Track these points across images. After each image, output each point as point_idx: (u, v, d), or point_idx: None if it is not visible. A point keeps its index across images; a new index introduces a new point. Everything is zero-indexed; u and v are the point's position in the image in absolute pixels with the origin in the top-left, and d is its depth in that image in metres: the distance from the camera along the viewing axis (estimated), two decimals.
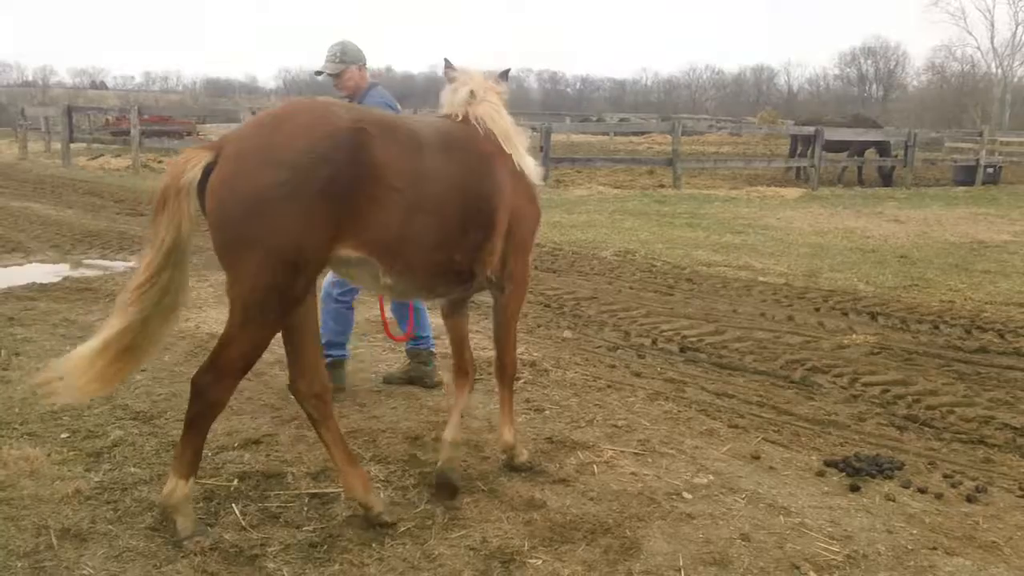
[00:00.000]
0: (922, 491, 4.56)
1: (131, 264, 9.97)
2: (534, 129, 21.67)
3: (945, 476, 4.77)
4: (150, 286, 3.48)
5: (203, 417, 3.63)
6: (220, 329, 6.98)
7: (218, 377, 3.58)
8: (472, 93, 4.43)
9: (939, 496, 4.51)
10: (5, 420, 5.12)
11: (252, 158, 3.41)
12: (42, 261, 10.43)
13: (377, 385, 6.04)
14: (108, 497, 4.21)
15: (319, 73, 5.80)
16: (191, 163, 3.43)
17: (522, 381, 6.16)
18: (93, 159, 25.76)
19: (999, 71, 57.35)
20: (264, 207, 3.34)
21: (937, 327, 8.02)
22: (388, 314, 6.04)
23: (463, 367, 4.65)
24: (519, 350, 6.82)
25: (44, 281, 9.03)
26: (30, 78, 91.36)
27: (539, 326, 7.81)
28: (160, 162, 25.26)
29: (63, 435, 4.96)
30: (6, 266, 10.11)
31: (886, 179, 24.14)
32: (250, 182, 3.36)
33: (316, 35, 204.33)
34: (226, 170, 3.40)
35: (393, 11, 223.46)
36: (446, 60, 4.72)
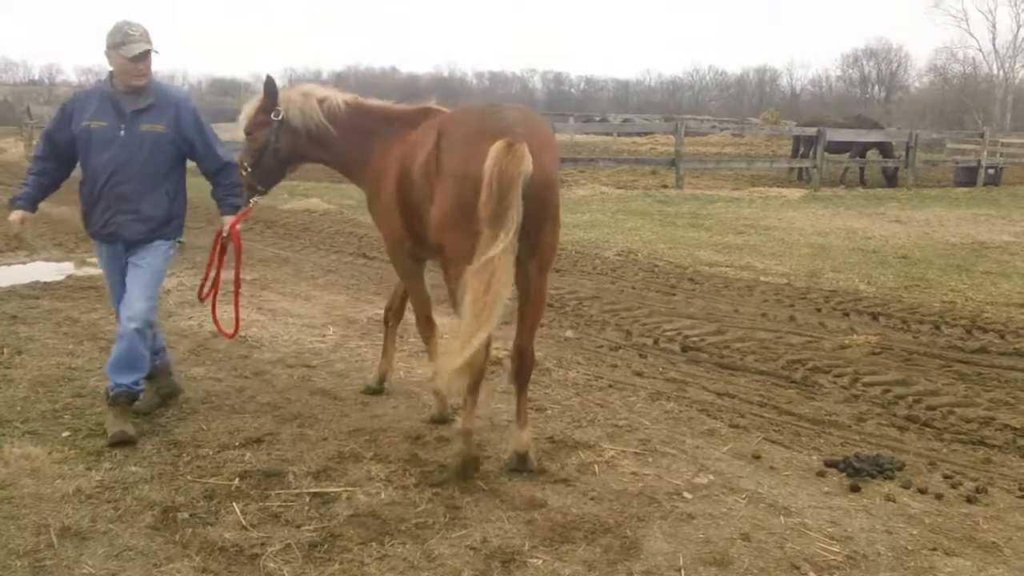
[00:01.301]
0: (922, 491, 4.56)
1: None
2: None
3: (945, 476, 4.76)
4: (511, 259, 4.11)
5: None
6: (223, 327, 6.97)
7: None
8: (344, 100, 5.44)
9: (939, 496, 4.51)
10: (7, 418, 5.14)
11: (552, 152, 4.53)
12: (46, 259, 10.46)
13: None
14: (109, 496, 4.23)
15: (147, 52, 4.91)
16: (527, 156, 4.14)
17: None
18: None
19: (1000, 73, 57.33)
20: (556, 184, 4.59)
21: (938, 327, 8.01)
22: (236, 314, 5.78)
23: None
24: None
25: (47, 279, 9.06)
26: (36, 77, 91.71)
27: (541, 326, 7.78)
28: None
29: (64, 434, 4.97)
30: (9, 264, 10.14)
31: (890, 180, 24.11)
32: (555, 168, 4.55)
33: (321, 35, 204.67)
34: (548, 159, 4.41)
35: (395, 12, 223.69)
36: (268, 76, 5.47)
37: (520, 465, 4.67)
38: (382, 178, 5.26)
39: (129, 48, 4.86)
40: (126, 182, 4.96)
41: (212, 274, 5.45)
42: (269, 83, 5.45)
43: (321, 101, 5.44)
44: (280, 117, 5.39)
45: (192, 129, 5.10)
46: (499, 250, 4.04)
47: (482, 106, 4.94)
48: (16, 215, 5.00)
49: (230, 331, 5.65)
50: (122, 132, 4.94)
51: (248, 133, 5.50)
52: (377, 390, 5.85)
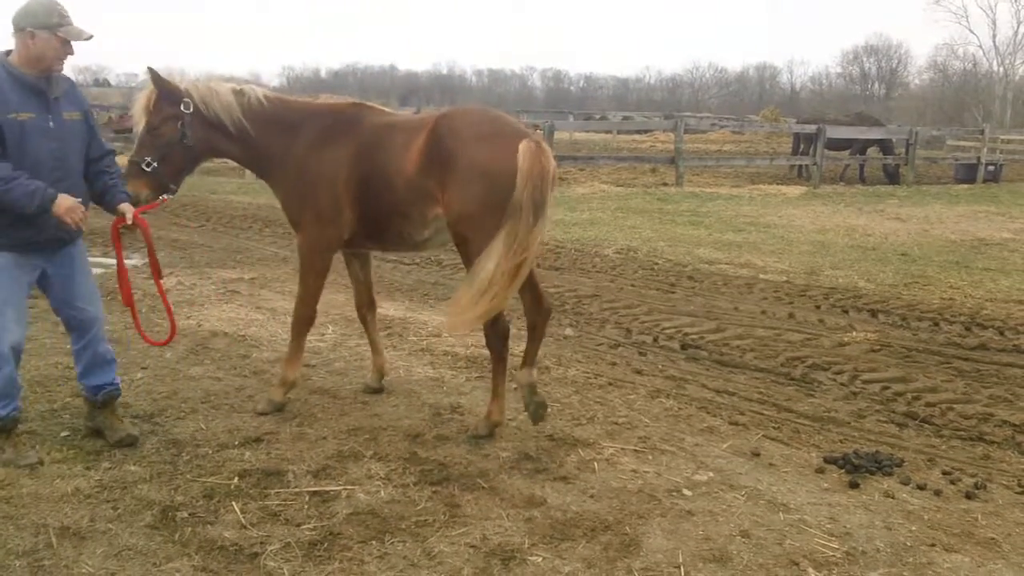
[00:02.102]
0: (921, 488, 4.57)
1: (133, 262, 9.96)
2: (537, 127, 21.70)
3: (944, 473, 4.77)
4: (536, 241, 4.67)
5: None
6: (222, 327, 6.99)
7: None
8: (264, 94, 5.41)
9: (938, 493, 4.52)
10: None
11: None
12: None
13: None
14: (108, 496, 4.23)
15: (89, 38, 4.62)
16: (551, 154, 4.79)
17: None
18: None
19: (1001, 69, 57.28)
20: None
21: (937, 324, 8.01)
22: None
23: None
24: (522, 347, 6.82)
25: None
26: None
27: None
28: None
29: (63, 433, 4.97)
30: None
31: (892, 177, 24.08)
32: None
33: (318, 32, 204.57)
34: None
35: (395, 10, 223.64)
36: (149, 68, 5.18)
37: (533, 397, 5.10)
38: (320, 176, 5.18)
39: (71, 31, 4.47)
40: (65, 178, 4.52)
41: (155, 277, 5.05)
42: (155, 76, 5.13)
43: (238, 94, 5.29)
44: (191, 110, 5.14)
45: (89, 115, 4.79)
46: (538, 235, 4.66)
47: (479, 109, 5.22)
48: (70, 201, 4.42)
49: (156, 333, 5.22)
50: (51, 123, 4.49)
51: (153, 128, 5.09)
52: (378, 388, 5.85)
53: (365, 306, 5.91)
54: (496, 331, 4.94)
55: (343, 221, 5.21)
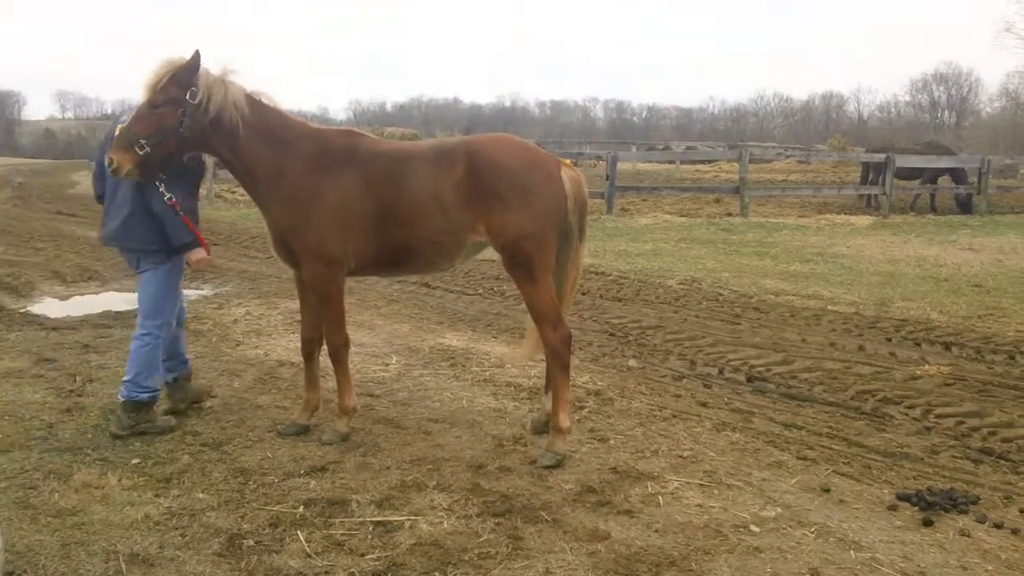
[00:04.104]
0: (998, 526, 4.40)
1: (203, 292, 10.18)
2: (600, 158, 21.74)
3: (1022, 511, 4.59)
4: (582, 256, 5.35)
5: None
6: (289, 356, 7.10)
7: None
8: (273, 104, 5.34)
9: (1016, 532, 4.35)
10: (78, 446, 5.26)
11: None
12: (118, 290, 10.72)
13: (441, 413, 6.05)
14: (176, 523, 4.29)
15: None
16: None
17: (586, 410, 6.12)
18: None
19: None
20: None
21: (1013, 358, 7.75)
22: None
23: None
24: (584, 378, 6.81)
25: (119, 309, 9.27)
26: (109, 111, 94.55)
27: (604, 355, 7.77)
28: (234, 192, 25.75)
29: (134, 461, 5.07)
30: (83, 294, 10.43)
31: (964, 207, 23.53)
32: None
33: (385, 66, 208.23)
34: None
35: (458, 43, 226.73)
36: (197, 51, 4.98)
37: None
38: (327, 205, 5.10)
39: None
40: None
41: None
42: (196, 58, 4.95)
43: (250, 99, 5.13)
44: (197, 100, 4.93)
45: None
46: (582, 251, 5.31)
47: (506, 138, 5.35)
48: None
49: None
50: None
51: (154, 106, 4.93)
52: (306, 426, 5.64)
53: (316, 339, 5.74)
54: (564, 336, 5.13)
55: (351, 250, 5.21)
